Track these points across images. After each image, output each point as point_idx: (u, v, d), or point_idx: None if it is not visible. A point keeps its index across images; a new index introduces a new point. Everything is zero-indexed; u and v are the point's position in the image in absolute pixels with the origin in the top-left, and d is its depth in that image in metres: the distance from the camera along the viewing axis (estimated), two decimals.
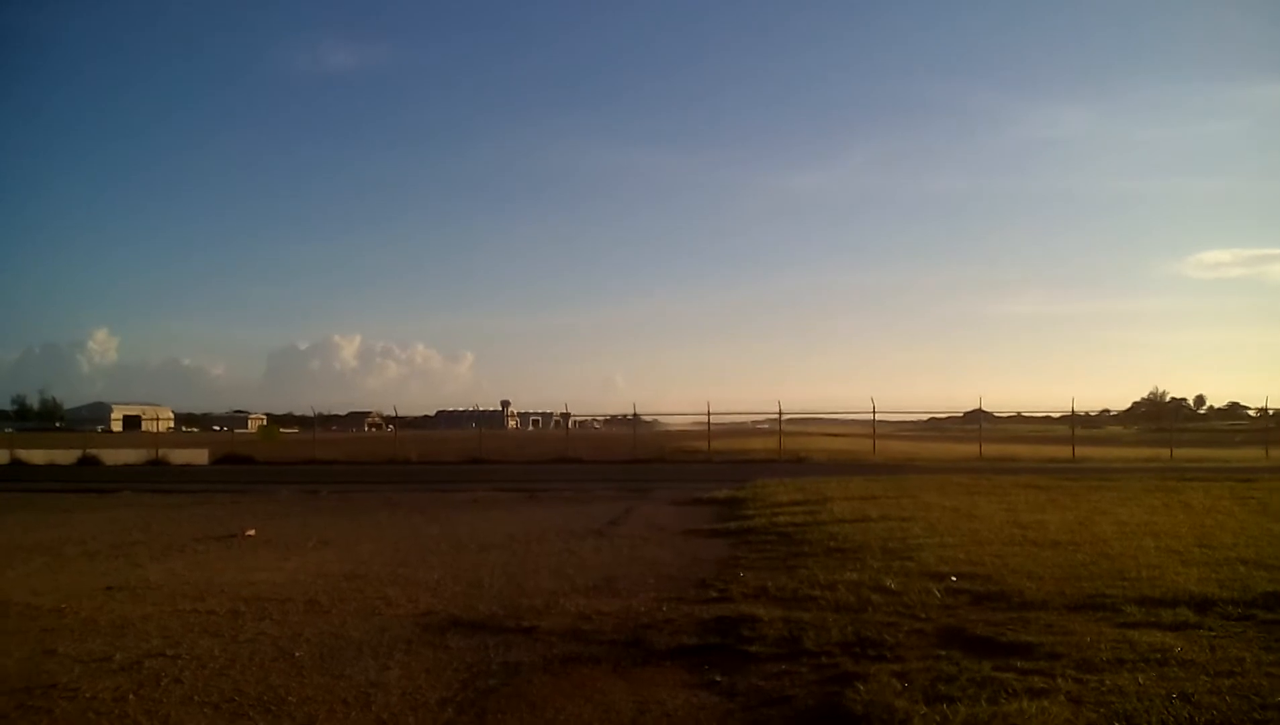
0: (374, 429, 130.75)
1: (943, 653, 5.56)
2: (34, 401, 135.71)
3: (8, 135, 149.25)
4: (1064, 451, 36.08)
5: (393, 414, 66.63)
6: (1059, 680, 4.85)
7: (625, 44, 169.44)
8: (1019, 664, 5.22)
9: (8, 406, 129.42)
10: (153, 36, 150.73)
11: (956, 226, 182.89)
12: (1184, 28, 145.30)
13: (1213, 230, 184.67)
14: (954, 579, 7.80)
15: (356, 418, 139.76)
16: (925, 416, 77.35)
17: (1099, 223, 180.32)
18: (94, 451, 38.28)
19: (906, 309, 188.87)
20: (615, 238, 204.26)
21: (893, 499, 14.95)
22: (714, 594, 7.73)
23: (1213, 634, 5.87)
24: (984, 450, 36.26)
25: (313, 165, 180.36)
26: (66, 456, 36.83)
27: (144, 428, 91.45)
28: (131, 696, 5.11)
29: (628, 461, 34.21)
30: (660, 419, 68.25)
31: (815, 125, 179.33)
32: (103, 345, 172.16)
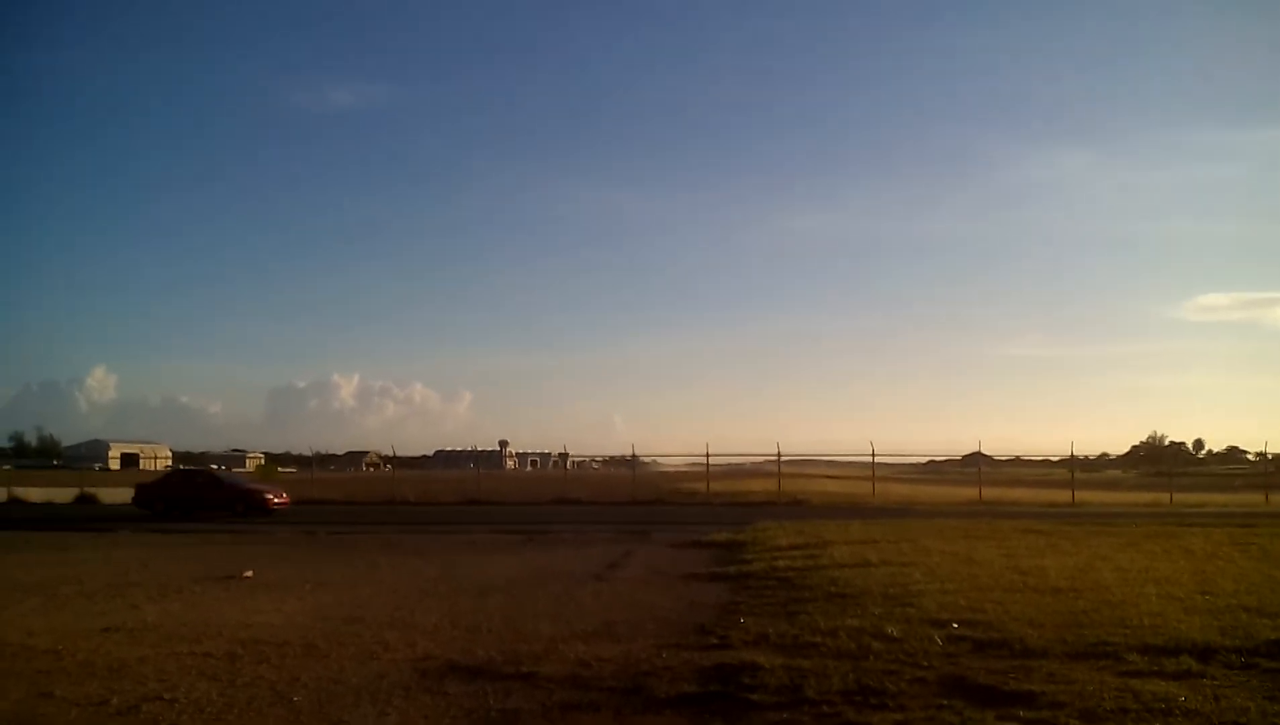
0: (372, 468, 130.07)
1: (945, 702, 5.54)
2: (31, 439, 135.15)
3: (6, 170, 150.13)
4: (1063, 495, 35.89)
5: (390, 453, 66.45)
6: None
7: (623, 85, 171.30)
8: (1022, 713, 5.20)
9: (5, 444, 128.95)
10: (153, 73, 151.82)
11: (954, 269, 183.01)
12: (1182, 72, 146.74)
13: (1210, 274, 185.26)
14: (955, 626, 7.77)
15: (354, 457, 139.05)
16: (924, 459, 76.76)
17: (1096, 265, 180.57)
18: (91, 490, 37.99)
19: (905, 351, 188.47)
20: (614, 278, 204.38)
21: (893, 543, 14.88)
22: (714, 640, 7.69)
23: (1216, 683, 5.85)
24: (983, 493, 36.08)
25: (312, 203, 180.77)
26: (64, 494, 36.60)
27: (142, 466, 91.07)
28: None
29: (627, 503, 34.04)
30: (659, 460, 67.81)
31: (814, 168, 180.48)
32: (101, 383, 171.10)
